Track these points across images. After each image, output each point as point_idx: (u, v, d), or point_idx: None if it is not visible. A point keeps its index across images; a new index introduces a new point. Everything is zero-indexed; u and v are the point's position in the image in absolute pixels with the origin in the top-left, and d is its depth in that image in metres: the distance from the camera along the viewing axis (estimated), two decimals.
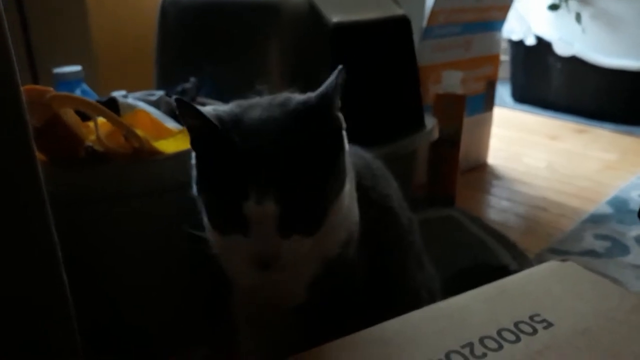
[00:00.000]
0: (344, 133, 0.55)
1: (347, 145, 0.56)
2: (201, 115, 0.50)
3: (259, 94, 0.59)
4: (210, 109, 0.53)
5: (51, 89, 0.64)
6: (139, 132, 0.68)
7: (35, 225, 0.49)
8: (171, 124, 0.80)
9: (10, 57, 0.45)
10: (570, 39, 2.03)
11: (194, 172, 0.55)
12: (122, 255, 0.71)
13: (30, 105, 0.47)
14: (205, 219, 0.56)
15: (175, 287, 0.73)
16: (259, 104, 0.55)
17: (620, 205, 1.37)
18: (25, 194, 0.48)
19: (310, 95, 0.53)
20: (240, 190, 0.49)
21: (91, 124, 0.71)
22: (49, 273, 0.51)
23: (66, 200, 0.53)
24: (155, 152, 0.69)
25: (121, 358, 0.73)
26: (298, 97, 0.55)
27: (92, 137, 0.69)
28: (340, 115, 0.54)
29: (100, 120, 0.71)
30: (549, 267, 0.63)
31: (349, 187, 0.57)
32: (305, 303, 0.60)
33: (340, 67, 0.52)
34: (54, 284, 0.51)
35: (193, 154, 0.55)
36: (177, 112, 0.52)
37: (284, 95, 0.56)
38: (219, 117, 0.51)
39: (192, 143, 0.54)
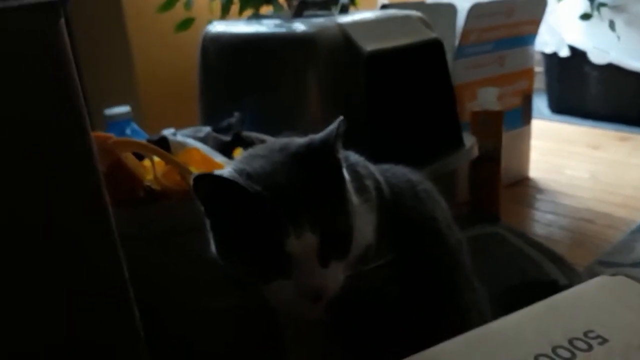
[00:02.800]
0: (344, 170, 0.59)
1: (347, 178, 0.60)
2: (231, 182, 0.53)
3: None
4: (227, 172, 0.56)
5: (112, 135, 0.69)
6: (193, 169, 0.72)
7: (109, 264, 0.53)
8: (220, 159, 0.84)
9: (83, 112, 0.49)
10: (605, 46, 2.01)
11: (213, 238, 0.58)
12: (180, 286, 0.74)
13: (96, 151, 0.52)
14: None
15: (232, 316, 0.75)
16: (258, 155, 0.59)
17: None
18: (99, 236, 0.52)
19: (313, 138, 0.58)
20: (280, 232, 0.52)
21: (147, 163, 0.75)
22: (122, 310, 0.55)
23: (127, 237, 0.56)
24: None
25: None
26: (298, 140, 0.59)
27: (149, 176, 0.73)
28: (341, 157, 0.58)
29: (156, 159, 0.75)
30: (600, 282, 0.63)
31: (359, 209, 0.60)
32: (332, 319, 0.62)
33: (341, 118, 0.56)
34: (128, 321, 0.55)
35: (208, 222, 0.58)
36: (197, 189, 0.54)
37: (281, 141, 0.61)
38: (234, 182, 0.54)
39: (208, 211, 0.57)
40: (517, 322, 0.58)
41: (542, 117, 2.22)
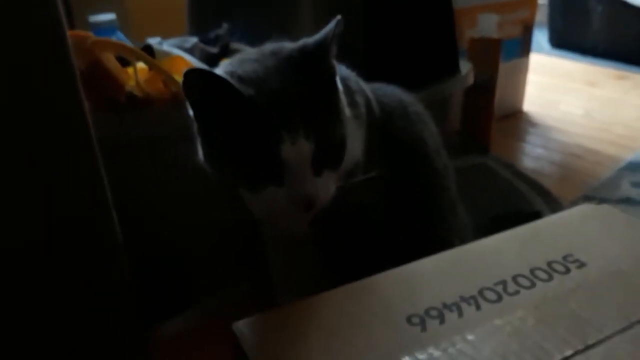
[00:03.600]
0: (337, 78, 0.57)
1: (340, 87, 0.58)
2: (224, 81, 0.50)
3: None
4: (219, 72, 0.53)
5: (91, 34, 0.65)
6: (177, 77, 0.69)
7: (87, 165, 0.51)
8: None
9: (57, 5, 0.46)
10: None
11: (201, 143, 0.56)
12: (162, 195, 0.73)
13: (73, 50, 0.49)
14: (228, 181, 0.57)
15: (214, 227, 0.75)
16: (250, 59, 0.56)
17: None
18: (76, 136, 0.50)
19: (307, 41, 0.55)
20: (274, 138, 0.50)
21: (130, 70, 0.72)
22: (99, 210, 0.54)
23: (108, 143, 0.54)
24: None
25: (163, 299, 0.77)
26: (290, 44, 0.57)
27: (132, 82, 0.70)
28: (334, 62, 0.56)
29: (140, 67, 0.73)
30: (583, 209, 0.63)
31: (349, 124, 0.59)
32: (318, 231, 0.61)
33: (339, 17, 0.53)
34: (105, 218, 0.54)
35: (196, 126, 0.56)
36: (187, 85, 0.51)
37: (272, 46, 0.58)
38: (238, 79, 0.52)
39: (198, 112, 0.54)
40: (497, 243, 0.58)
41: (542, 52, 2.18)
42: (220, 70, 0.56)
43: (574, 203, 1.15)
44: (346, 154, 0.58)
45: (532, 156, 1.40)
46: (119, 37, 1.06)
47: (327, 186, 0.54)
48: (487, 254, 0.56)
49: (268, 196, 0.54)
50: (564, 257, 0.54)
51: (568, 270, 0.52)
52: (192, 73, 0.50)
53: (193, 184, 0.72)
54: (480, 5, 1.38)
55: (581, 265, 0.53)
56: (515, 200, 1.16)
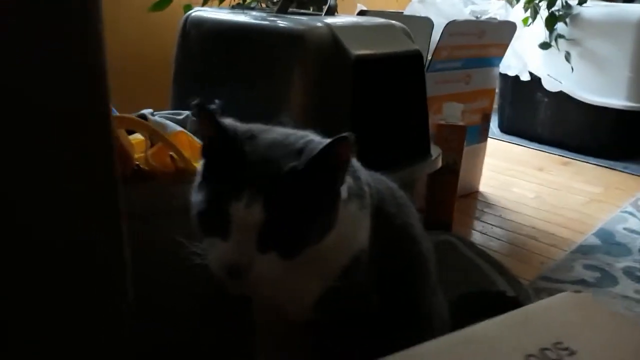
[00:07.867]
0: (347, 179, 0.59)
1: (344, 192, 0.59)
2: (219, 125, 0.55)
3: (282, 124, 0.63)
4: (230, 121, 0.58)
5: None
6: (185, 153, 0.72)
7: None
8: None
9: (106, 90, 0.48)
10: (559, 76, 2.12)
11: (198, 177, 0.59)
12: (166, 266, 0.73)
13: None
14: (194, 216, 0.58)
15: (208, 305, 0.75)
16: (276, 131, 0.60)
17: (606, 237, 1.44)
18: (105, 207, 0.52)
19: (322, 142, 0.56)
20: (235, 192, 0.52)
21: (135, 140, 0.74)
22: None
23: None
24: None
25: None
26: (314, 139, 0.59)
27: (137, 155, 0.72)
28: (349, 170, 0.58)
29: (136, 139, 0.74)
30: (566, 297, 0.67)
31: (355, 213, 0.61)
32: (314, 321, 0.63)
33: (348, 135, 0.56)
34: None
35: (202, 160, 0.59)
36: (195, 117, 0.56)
37: (302, 133, 0.61)
38: (235, 129, 0.57)
39: (204, 149, 0.58)
40: (490, 330, 0.61)
41: (492, 136, 2.32)
42: (244, 125, 0.59)
43: (533, 283, 1.21)
44: (352, 243, 0.61)
45: (488, 235, 1.47)
46: None
47: (267, 266, 0.53)
48: (481, 340, 0.59)
49: (211, 245, 0.55)
50: (555, 345, 0.57)
51: (560, 359, 0.56)
52: (203, 114, 0.56)
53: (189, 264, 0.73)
54: (445, 95, 1.48)
55: (571, 353, 0.56)
56: (478, 278, 1.21)
